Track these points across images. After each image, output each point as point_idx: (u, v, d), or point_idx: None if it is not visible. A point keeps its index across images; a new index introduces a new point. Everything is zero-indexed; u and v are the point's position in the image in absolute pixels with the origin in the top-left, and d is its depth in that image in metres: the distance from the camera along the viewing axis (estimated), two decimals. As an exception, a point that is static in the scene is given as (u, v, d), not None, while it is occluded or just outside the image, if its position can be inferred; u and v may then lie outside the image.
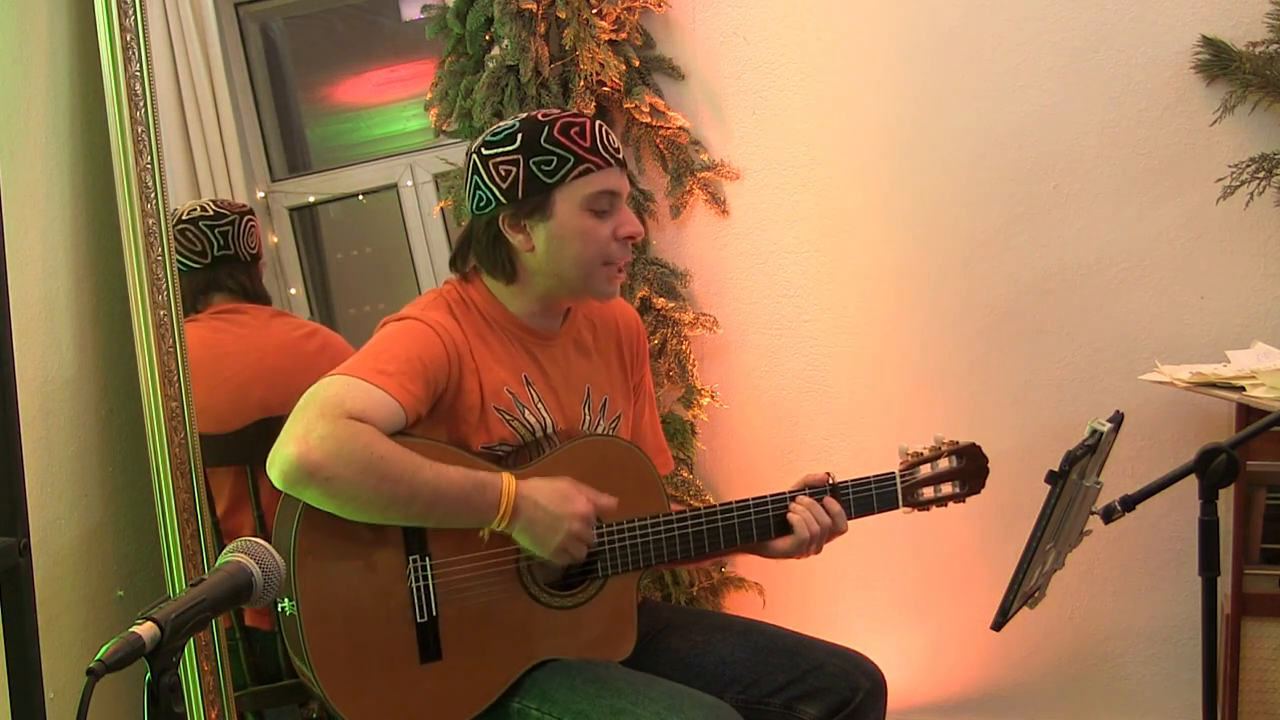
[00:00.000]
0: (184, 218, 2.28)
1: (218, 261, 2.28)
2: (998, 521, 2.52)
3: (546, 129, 1.72)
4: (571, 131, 1.72)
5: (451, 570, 1.68)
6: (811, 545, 1.81)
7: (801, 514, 1.80)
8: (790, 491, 1.83)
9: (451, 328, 1.72)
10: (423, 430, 1.69)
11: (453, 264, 1.85)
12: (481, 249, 1.78)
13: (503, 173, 1.72)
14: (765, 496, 1.82)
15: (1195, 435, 2.42)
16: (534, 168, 1.71)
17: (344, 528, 1.62)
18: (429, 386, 1.66)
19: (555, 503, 1.66)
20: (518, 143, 1.72)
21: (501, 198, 1.73)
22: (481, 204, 1.76)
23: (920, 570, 2.64)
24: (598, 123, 1.76)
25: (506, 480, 1.64)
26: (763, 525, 1.81)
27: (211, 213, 2.30)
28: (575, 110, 1.79)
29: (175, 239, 2.25)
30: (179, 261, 2.23)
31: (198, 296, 2.29)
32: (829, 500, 1.81)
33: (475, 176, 1.76)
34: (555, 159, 1.71)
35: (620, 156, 1.76)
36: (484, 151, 1.75)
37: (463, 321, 1.75)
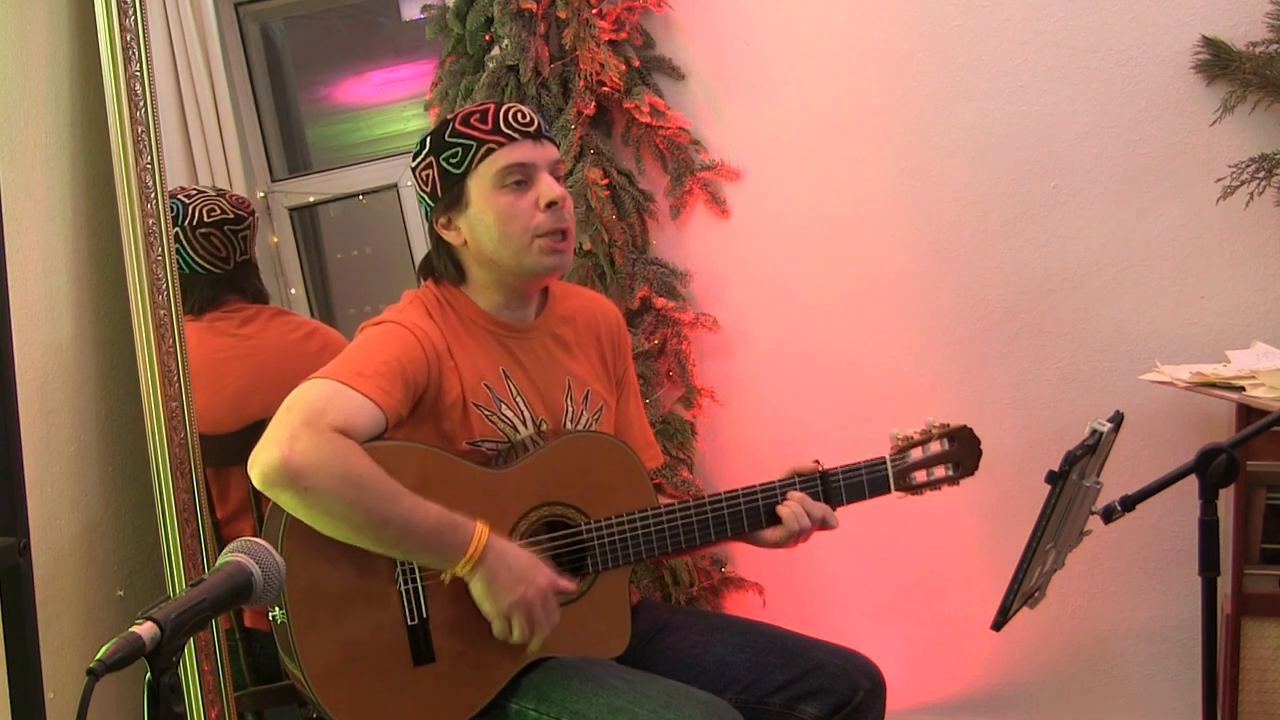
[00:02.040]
0: (206, 220, 2.24)
1: (239, 267, 2.27)
2: (997, 521, 2.52)
3: (451, 124, 1.77)
4: (472, 119, 1.76)
5: (440, 574, 1.68)
6: (801, 536, 1.82)
7: (791, 507, 1.80)
8: (780, 481, 1.83)
9: (429, 328, 1.74)
10: (407, 430, 1.70)
11: (420, 276, 1.88)
12: (435, 257, 1.84)
13: (424, 178, 1.79)
14: (754, 487, 1.81)
15: (1195, 435, 2.43)
16: (444, 164, 1.76)
17: None
18: (408, 388, 1.67)
19: (520, 564, 1.65)
20: (428, 145, 1.78)
21: (429, 201, 1.79)
22: (425, 214, 1.82)
23: (920, 570, 2.64)
24: (506, 105, 1.78)
25: (479, 528, 1.63)
26: (752, 515, 1.81)
27: (232, 216, 2.26)
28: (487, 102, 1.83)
29: (197, 242, 2.23)
30: (197, 264, 2.22)
31: (212, 299, 2.27)
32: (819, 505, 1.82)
33: (417, 191, 1.82)
34: (459, 149, 1.75)
35: (533, 129, 1.77)
36: (411, 164, 1.82)
37: (440, 321, 1.77)
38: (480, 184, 1.74)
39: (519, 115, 1.77)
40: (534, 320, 1.85)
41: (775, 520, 1.81)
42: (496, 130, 1.75)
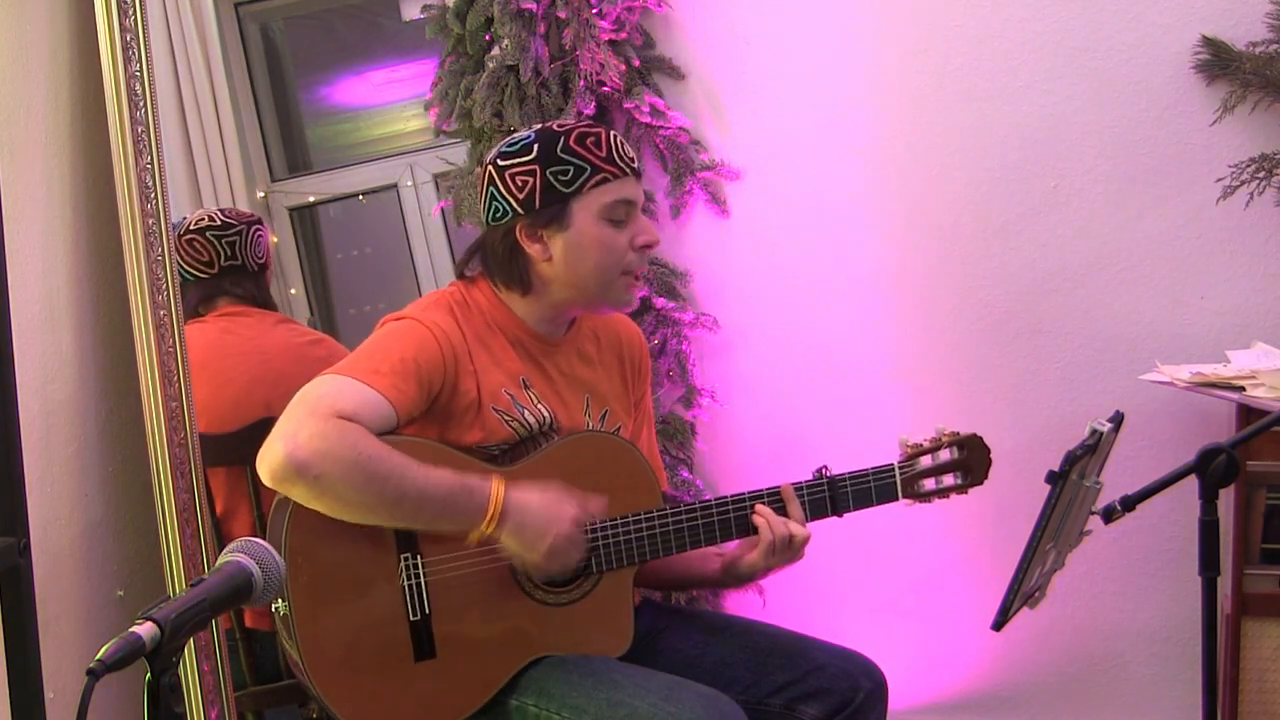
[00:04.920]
0: (191, 228, 2.29)
1: (224, 271, 2.30)
2: (997, 521, 2.51)
3: (563, 139, 1.73)
4: (588, 141, 1.73)
5: (443, 568, 1.68)
6: (785, 553, 1.77)
7: (768, 516, 1.77)
8: (766, 489, 1.80)
9: (450, 329, 1.72)
10: (416, 430, 1.70)
11: (459, 274, 1.85)
12: (498, 260, 1.78)
13: (519, 183, 1.73)
14: (761, 490, 1.81)
15: (1195, 435, 2.42)
16: (551, 178, 1.72)
17: (335, 528, 1.61)
18: (422, 388, 1.67)
19: (544, 508, 1.66)
20: (534, 153, 1.73)
21: (519, 208, 1.73)
22: (498, 215, 1.76)
23: (920, 570, 2.64)
24: (613, 133, 1.77)
25: (495, 484, 1.63)
26: None
27: (219, 223, 2.31)
28: (589, 120, 1.80)
29: (183, 249, 2.27)
30: (185, 271, 2.25)
31: (202, 304, 2.30)
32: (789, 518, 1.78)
33: (491, 188, 1.76)
34: (572, 169, 1.72)
35: (636, 166, 1.78)
36: (500, 163, 1.75)
37: (463, 323, 1.75)
38: (586, 210, 1.72)
39: (626, 148, 1.77)
40: (563, 335, 1.85)
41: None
42: (611, 160, 1.73)
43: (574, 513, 1.68)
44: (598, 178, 1.72)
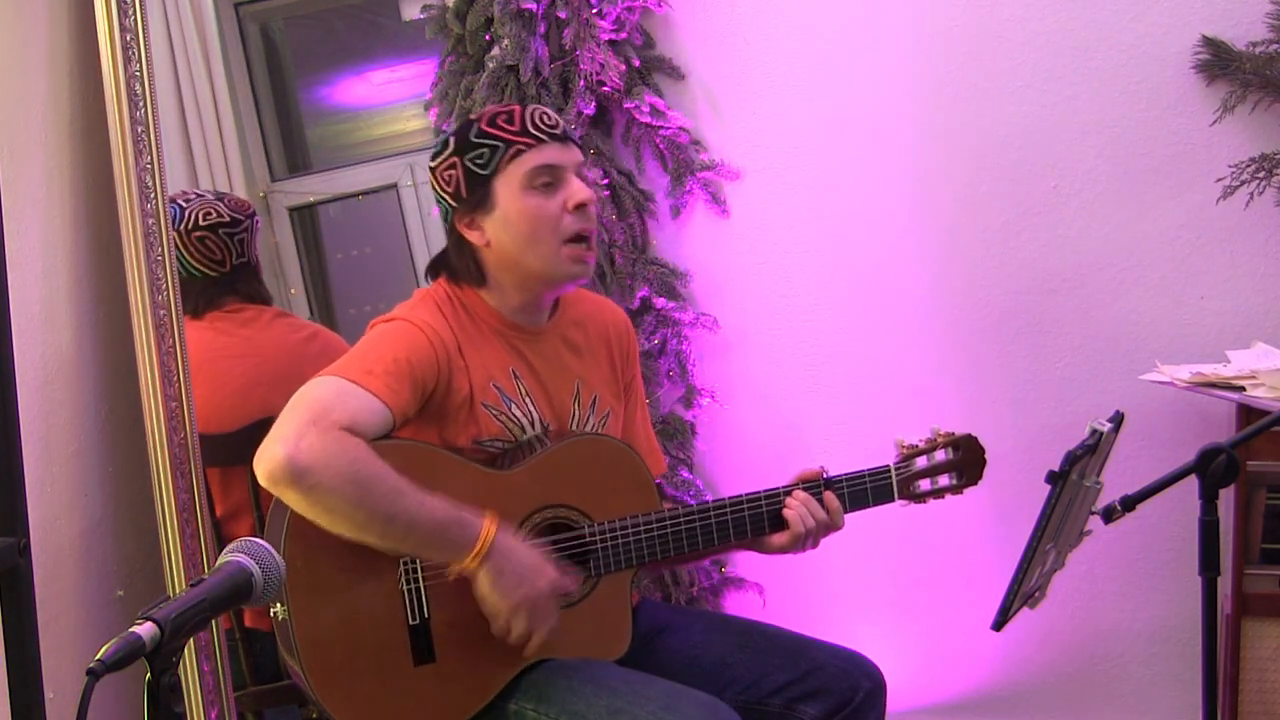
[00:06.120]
0: (201, 223, 2.25)
1: (236, 269, 2.28)
2: (997, 521, 2.52)
3: (475, 125, 1.77)
4: (499, 120, 1.75)
5: (443, 572, 1.68)
6: (807, 540, 1.80)
7: (797, 509, 1.79)
8: (785, 487, 1.82)
9: (440, 327, 1.73)
10: (412, 429, 1.70)
11: (428, 276, 1.86)
12: (454, 258, 1.81)
13: (447, 178, 1.77)
14: (759, 492, 1.81)
15: (1195, 435, 2.42)
16: (469, 164, 1.75)
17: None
18: (416, 388, 1.67)
19: (528, 561, 1.65)
20: (452, 145, 1.77)
21: (451, 202, 1.77)
22: (444, 215, 1.81)
23: (920, 570, 2.64)
24: (530, 107, 1.78)
25: (488, 522, 1.63)
26: (756, 521, 1.81)
27: (229, 219, 2.27)
28: (511, 103, 1.82)
29: (193, 246, 2.24)
30: (194, 269, 2.23)
31: (210, 301, 2.27)
32: (827, 496, 1.81)
33: (434, 191, 1.81)
34: (486, 150, 1.74)
35: (558, 131, 1.77)
36: (430, 164, 1.81)
37: (450, 320, 1.76)
38: (508, 185, 1.73)
39: (545, 117, 1.77)
40: (546, 323, 1.85)
41: (780, 525, 1.81)
42: (524, 132, 1.74)
43: (554, 576, 1.67)
44: (511, 151, 1.73)
